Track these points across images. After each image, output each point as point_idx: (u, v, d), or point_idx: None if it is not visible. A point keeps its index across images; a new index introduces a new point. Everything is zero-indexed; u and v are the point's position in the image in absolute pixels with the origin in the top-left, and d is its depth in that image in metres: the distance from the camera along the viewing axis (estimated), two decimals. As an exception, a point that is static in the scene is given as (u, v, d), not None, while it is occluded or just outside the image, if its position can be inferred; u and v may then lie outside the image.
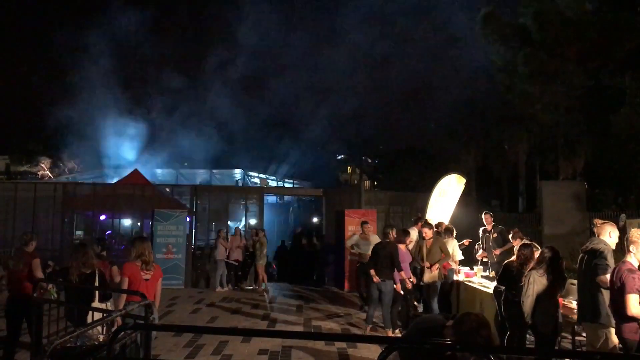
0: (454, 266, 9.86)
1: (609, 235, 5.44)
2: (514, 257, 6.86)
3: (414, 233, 10.14)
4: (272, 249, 14.56)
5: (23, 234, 7.44)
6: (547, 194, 14.34)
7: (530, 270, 6.01)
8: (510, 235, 9.67)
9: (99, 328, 4.77)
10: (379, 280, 8.52)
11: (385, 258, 8.62)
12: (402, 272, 8.73)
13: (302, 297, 12.97)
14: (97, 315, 5.41)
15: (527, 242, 7.43)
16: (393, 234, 9.02)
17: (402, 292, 8.78)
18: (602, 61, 17.87)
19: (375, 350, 7.45)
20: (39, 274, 6.96)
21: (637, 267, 4.83)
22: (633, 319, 4.61)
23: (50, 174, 35.05)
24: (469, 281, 9.19)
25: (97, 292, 5.97)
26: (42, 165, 35.86)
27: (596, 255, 5.35)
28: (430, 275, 8.82)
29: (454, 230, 10.39)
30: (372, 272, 8.59)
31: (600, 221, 5.67)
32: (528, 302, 5.79)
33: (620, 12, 16.10)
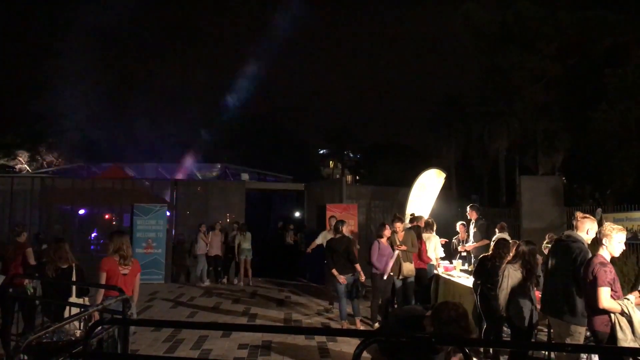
0: (434, 262, 9.92)
1: (586, 232, 5.48)
2: (490, 251, 6.97)
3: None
4: (253, 244, 14.50)
5: (15, 226, 8.23)
6: (525, 188, 14.47)
7: (506, 263, 6.08)
8: (496, 228, 9.93)
9: (76, 323, 4.73)
10: (344, 278, 8.85)
11: (343, 253, 8.97)
12: (357, 265, 9.06)
13: (283, 292, 12.98)
14: (75, 310, 5.37)
15: (504, 237, 7.53)
16: (343, 228, 9.37)
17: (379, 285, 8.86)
18: (580, 58, 18.10)
19: (355, 343, 7.48)
20: (32, 262, 7.58)
21: (609, 260, 4.90)
22: (604, 311, 4.68)
23: (28, 168, 34.56)
24: (449, 275, 9.27)
25: (74, 287, 5.91)
26: (20, 159, 35.33)
27: (573, 250, 5.37)
28: (408, 269, 8.87)
29: (434, 225, 10.43)
30: (334, 271, 8.89)
31: (581, 215, 5.68)
32: (502, 295, 5.87)
33: (598, 10, 16.31)
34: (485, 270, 6.80)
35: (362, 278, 9.09)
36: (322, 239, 11.40)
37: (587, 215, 5.74)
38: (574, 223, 5.64)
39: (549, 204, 14.08)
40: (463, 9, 20.53)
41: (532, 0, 18.58)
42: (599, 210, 12.16)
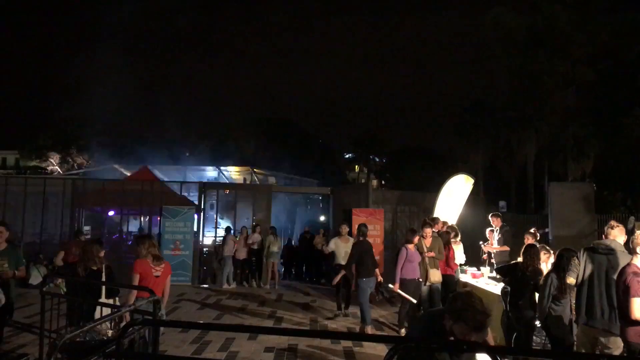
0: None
1: (622, 242, 5.40)
2: (520, 259, 6.86)
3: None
4: (280, 247, 14.61)
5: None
6: (555, 195, 14.27)
7: (549, 272, 6.00)
8: (528, 235, 9.77)
9: (108, 323, 4.82)
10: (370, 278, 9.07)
11: (370, 256, 9.12)
12: (377, 270, 9.20)
13: (309, 296, 12.99)
14: (105, 311, 5.46)
15: (534, 243, 7.41)
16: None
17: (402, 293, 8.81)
18: (612, 63, 17.80)
19: (381, 349, 7.47)
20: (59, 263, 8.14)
21: None
22: (637, 322, 4.58)
23: (59, 169, 35.28)
24: (476, 282, 9.17)
25: (103, 288, 6.02)
26: (52, 160, 36.09)
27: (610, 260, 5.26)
28: (435, 275, 8.82)
29: (458, 232, 10.32)
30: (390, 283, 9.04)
31: (615, 223, 5.58)
32: (543, 304, 5.78)
33: (631, 14, 16.03)
34: (516, 278, 6.69)
35: (396, 287, 8.89)
36: (333, 245, 10.80)
37: (618, 224, 5.66)
38: (608, 231, 5.54)
39: (579, 211, 13.85)
40: (492, 14, 20.36)
41: (563, 4, 18.34)
42: (632, 218, 11.93)
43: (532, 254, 6.65)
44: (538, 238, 9.01)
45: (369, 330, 8.92)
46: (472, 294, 3.02)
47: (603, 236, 5.67)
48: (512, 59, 21.25)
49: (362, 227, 9.70)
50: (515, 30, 19.40)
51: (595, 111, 19.59)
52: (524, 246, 7.16)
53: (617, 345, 5.07)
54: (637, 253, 4.83)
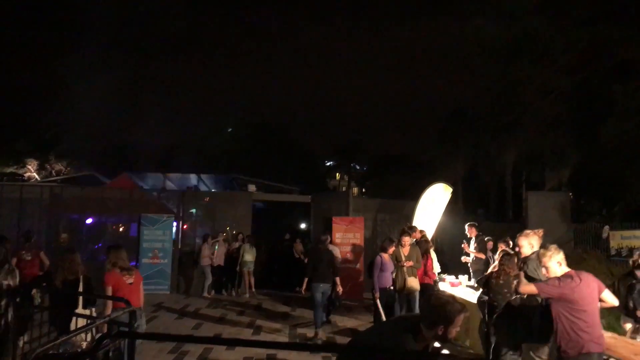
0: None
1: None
2: (495, 265, 6.97)
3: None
4: (258, 255, 14.52)
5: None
6: (532, 204, 14.45)
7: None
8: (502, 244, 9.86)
9: (83, 335, 4.77)
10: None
11: (327, 263, 9.28)
12: (337, 279, 9.42)
13: (288, 304, 12.97)
14: (82, 322, 5.41)
15: (508, 250, 7.51)
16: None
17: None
18: (589, 73, 18.09)
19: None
20: None
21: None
22: None
23: (37, 176, 34.79)
24: (454, 290, 9.24)
25: (80, 298, 5.96)
26: (29, 167, 35.58)
27: None
28: (412, 284, 8.87)
29: (431, 243, 10.39)
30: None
31: (529, 231, 6.09)
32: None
33: (607, 26, 16.33)
34: (491, 286, 6.78)
35: (339, 289, 9.49)
36: None
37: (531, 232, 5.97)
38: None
39: (555, 220, 14.03)
40: (473, 24, 20.58)
41: (541, 15, 18.61)
42: (607, 227, 12.14)
43: (506, 261, 6.76)
44: (511, 246, 9.13)
45: (320, 333, 9.03)
46: (444, 293, 3.09)
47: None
48: (492, 68, 21.49)
49: (321, 236, 10.07)
50: (494, 40, 19.62)
51: (573, 121, 19.88)
52: (499, 255, 7.26)
53: None
54: (545, 267, 4.87)
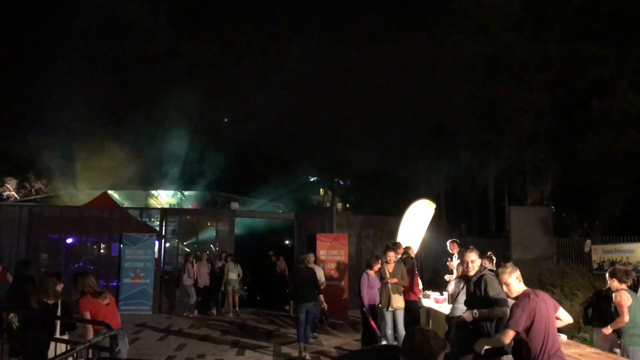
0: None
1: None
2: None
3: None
4: (240, 274, 14.38)
5: None
6: (515, 219, 14.54)
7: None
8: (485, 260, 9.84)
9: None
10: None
11: (310, 282, 9.40)
12: (321, 297, 9.63)
13: (272, 322, 12.84)
14: (60, 347, 5.28)
15: (492, 267, 7.59)
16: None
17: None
18: (568, 89, 18.37)
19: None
20: None
21: None
22: None
23: (16, 195, 34.25)
24: (439, 307, 9.22)
25: (58, 323, 5.82)
26: (8, 185, 35.02)
27: None
28: (397, 301, 8.82)
29: (414, 261, 10.38)
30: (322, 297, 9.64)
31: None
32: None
33: (585, 43, 16.64)
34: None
35: (324, 307, 9.95)
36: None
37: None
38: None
39: (538, 234, 14.13)
40: (451, 41, 20.82)
41: (519, 32, 18.91)
42: (588, 241, 12.21)
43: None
44: (495, 261, 9.19)
45: (302, 348, 9.05)
46: (428, 330, 3.03)
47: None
48: (471, 85, 21.73)
49: (305, 256, 10.15)
50: (474, 57, 19.86)
51: (553, 136, 20.11)
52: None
53: None
54: (506, 284, 4.88)
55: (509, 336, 4.53)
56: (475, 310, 5.31)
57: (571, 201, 20.22)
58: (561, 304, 9.15)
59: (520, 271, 5.01)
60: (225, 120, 47.65)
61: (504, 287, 4.88)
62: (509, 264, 4.93)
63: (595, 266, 11.72)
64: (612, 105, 15.81)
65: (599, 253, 11.70)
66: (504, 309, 5.27)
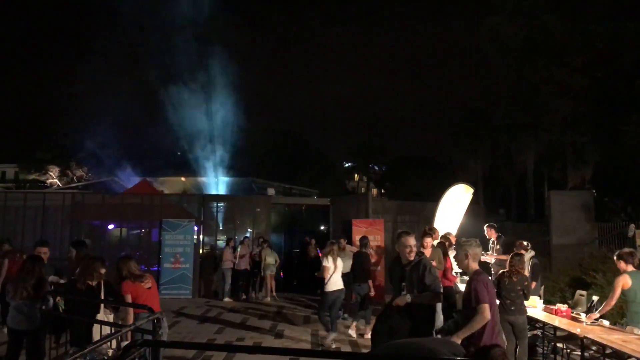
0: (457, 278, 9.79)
1: None
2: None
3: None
4: (276, 259, 14.55)
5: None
6: (555, 203, 14.25)
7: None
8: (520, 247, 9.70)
9: (108, 343, 4.80)
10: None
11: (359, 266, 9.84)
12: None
13: (309, 308, 12.95)
14: (105, 328, 5.45)
15: (521, 253, 7.56)
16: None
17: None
18: (609, 70, 17.85)
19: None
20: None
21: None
22: None
23: (58, 182, 35.25)
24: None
25: (102, 305, 5.99)
26: (51, 173, 36.06)
27: None
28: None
29: (452, 242, 10.23)
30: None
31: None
32: None
33: (626, 22, 16.11)
34: (503, 287, 6.83)
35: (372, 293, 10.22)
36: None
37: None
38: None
39: (579, 219, 13.84)
40: (488, 23, 20.44)
41: (559, 13, 18.42)
42: (632, 225, 11.90)
43: (517, 261, 6.88)
44: (529, 247, 9.19)
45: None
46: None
47: None
48: (509, 68, 21.33)
49: (366, 240, 10.53)
50: (511, 39, 19.48)
51: (593, 118, 19.62)
52: (510, 255, 7.30)
53: None
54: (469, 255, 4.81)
55: (486, 310, 4.43)
56: (409, 295, 5.17)
57: (614, 185, 19.71)
58: (603, 289, 9.02)
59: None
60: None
61: (466, 261, 4.79)
62: (474, 240, 4.88)
63: (639, 251, 11.43)
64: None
65: (644, 238, 11.39)
66: (434, 296, 5.18)
